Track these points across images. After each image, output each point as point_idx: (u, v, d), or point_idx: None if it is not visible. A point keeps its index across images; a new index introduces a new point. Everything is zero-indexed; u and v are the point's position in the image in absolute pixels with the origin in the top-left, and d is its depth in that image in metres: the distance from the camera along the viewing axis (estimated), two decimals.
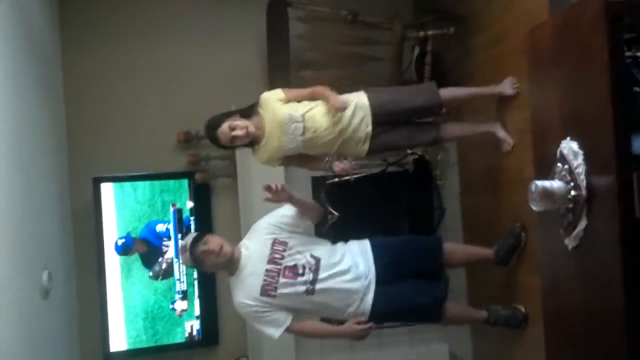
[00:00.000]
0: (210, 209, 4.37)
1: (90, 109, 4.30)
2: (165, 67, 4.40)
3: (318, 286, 2.88)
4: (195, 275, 4.25)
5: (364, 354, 4.19)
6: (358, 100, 3.11)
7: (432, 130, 3.29)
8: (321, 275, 2.90)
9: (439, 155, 4.20)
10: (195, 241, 2.88)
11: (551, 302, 2.06)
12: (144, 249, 4.24)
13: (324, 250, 3.00)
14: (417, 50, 4.10)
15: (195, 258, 2.87)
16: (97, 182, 4.16)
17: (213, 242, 2.88)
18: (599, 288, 1.74)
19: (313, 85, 3.16)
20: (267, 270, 2.87)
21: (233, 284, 2.95)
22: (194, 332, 4.26)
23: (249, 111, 3.08)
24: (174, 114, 4.35)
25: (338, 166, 3.08)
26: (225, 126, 2.99)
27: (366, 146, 3.12)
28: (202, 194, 4.34)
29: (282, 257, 2.90)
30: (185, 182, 4.31)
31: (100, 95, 4.33)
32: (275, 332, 2.88)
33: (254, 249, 2.95)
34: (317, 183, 4.25)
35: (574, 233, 1.82)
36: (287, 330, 2.90)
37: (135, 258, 4.23)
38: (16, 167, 3.12)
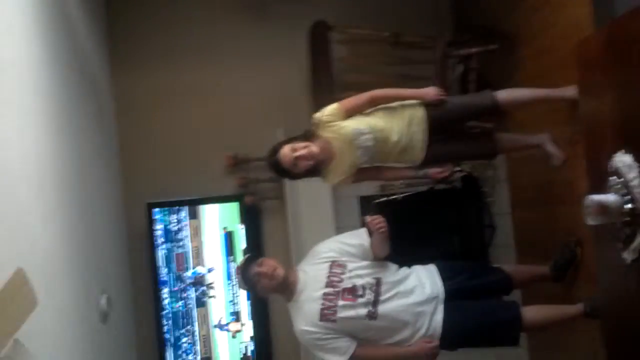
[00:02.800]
0: (261, 231, 4.43)
1: (142, 135, 4.45)
2: (212, 91, 4.51)
3: (380, 308, 2.70)
4: (247, 295, 4.31)
5: None
6: (411, 109, 3.04)
7: (489, 142, 3.24)
8: (383, 296, 2.72)
9: (488, 172, 4.18)
10: (249, 263, 2.80)
11: (612, 317, 2.02)
12: None
13: (385, 272, 2.83)
14: (460, 68, 4.11)
15: (248, 280, 2.77)
16: (150, 207, 4.28)
17: (267, 264, 2.76)
18: None
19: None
20: (325, 294, 2.71)
21: (292, 310, 2.80)
22: (248, 353, 4.31)
23: (308, 136, 2.98)
24: (223, 138, 4.46)
25: (437, 174, 3.02)
26: (286, 149, 2.88)
27: (422, 155, 3.03)
28: (251, 217, 4.41)
29: (341, 280, 2.74)
30: (235, 205, 4.38)
31: (151, 121, 4.48)
32: None
33: (311, 272, 2.81)
34: (365, 202, 4.28)
35: (632, 246, 1.80)
36: (352, 357, 2.69)
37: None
38: (71, 194, 3.24)
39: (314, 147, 2.89)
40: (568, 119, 3.10)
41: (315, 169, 2.96)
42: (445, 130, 3.11)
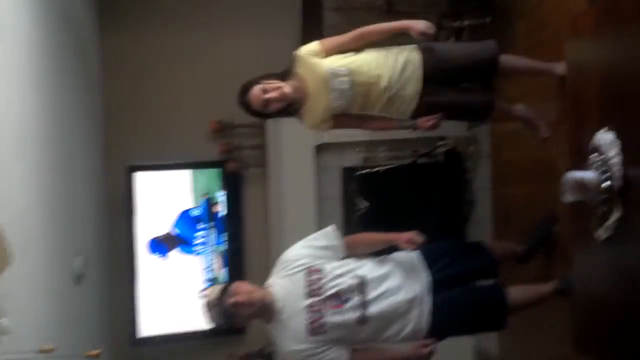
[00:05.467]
0: (242, 198, 4.40)
1: (126, 97, 4.37)
2: (200, 55, 4.44)
3: (371, 310, 2.49)
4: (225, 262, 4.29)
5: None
6: (409, 54, 2.83)
7: (486, 94, 3.04)
8: (371, 294, 2.51)
9: (471, 147, 4.17)
10: (221, 295, 2.46)
11: (581, 294, 2.02)
12: (176, 245, 4.30)
13: (366, 267, 2.60)
14: (453, 40, 4.06)
15: (225, 313, 2.45)
16: (131, 170, 4.23)
17: (240, 290, 2.45)
18: (632, 279, 1.70)
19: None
20: (308, 306, 2.47)
21: (275, 331, 2.53)
22: None
23: (285, 73, 2.78)
24: (208, 103, 4.40)
25: (426, 123, 2.78)
26: (256, 89, 2.70)
27: (413, 105, 2.81)
28: (233, 183, 4.37)
29: (321, 286, 2.49)
30: (217, 172, 4.33)
31: (136, 83, 4.39)
32: None
33: (286, 285, 2.53)
34: (348, 173, 4.25)
35: (607, 224, 1.78)
36: None
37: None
38: (53, 153, 3.18)
39: (286, 88, 2.73)
40: (556, 96, 3.07)
41: (288, 109, 2.81)
42: (440, 81, 2.86)
